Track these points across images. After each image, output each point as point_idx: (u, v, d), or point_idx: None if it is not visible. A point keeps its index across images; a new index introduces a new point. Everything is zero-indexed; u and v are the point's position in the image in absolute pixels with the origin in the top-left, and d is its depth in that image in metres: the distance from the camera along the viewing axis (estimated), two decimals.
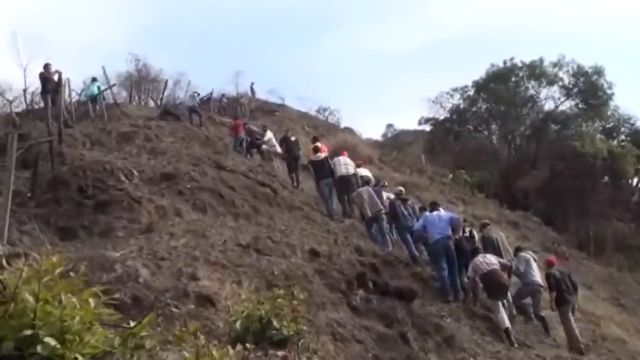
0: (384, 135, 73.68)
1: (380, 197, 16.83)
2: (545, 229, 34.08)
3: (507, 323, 12.64)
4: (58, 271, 2.94)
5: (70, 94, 24.30)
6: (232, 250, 9.95)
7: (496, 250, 15.10)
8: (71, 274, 3.07)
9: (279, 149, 24.18)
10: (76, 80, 46.49)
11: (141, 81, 45.86)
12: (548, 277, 14.76)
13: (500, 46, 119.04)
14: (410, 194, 21.77)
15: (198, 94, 36.98)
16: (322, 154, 19.32)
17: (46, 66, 20.03)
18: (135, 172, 13.31)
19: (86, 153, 15.58)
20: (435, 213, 15.27)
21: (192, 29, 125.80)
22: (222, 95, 45.48)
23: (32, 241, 9.32)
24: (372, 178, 20.45)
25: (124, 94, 41.64)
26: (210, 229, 11.04)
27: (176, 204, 12.41)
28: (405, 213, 16.57)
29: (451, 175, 41.90)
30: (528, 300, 15.09)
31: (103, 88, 26.32)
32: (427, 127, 57.85)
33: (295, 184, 20.51)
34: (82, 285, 3.04)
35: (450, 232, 14.38)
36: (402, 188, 19.25)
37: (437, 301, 12.84)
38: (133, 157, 16.07)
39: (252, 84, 53.37)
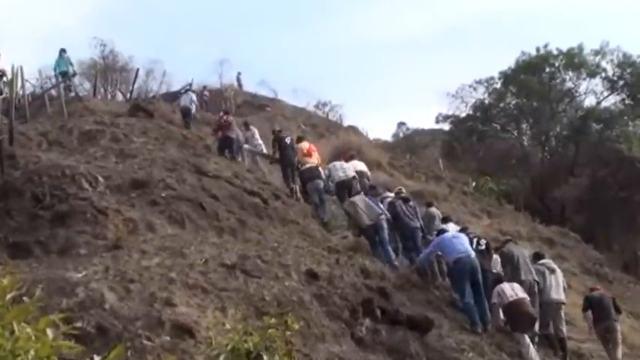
0: (395, 135, 73.78)
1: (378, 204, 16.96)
2: (584, 247, 33.95)
3: (536, 358, 12.71)
4: (9, 295, 2.94)
5: (23, 86, 24.29)
6: (215, 271, 9.92)
7: (515, 269, 15.14)
8: (25, 299, 3.07)
9: (264, 148, 24.25)
10: (30, 69, 46.44)
11: (107, 70, 45.39)
12: (586, 299, 15.02)
13: (531, 30, 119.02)
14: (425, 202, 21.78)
15: (194, 90, 36.02)
16: (311, 162, 19.56)
17: None
18: (100, 179, 13.26)
19: (42, 155, 15.51)
20: (449, 234, 15.34)
21: (168, 10, 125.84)
22: (204, 88, 45.18)
23: None
24: (368, 171, 20.69)
25: (87, 85, 41.59)
26: (188, 247, 10.99)
27: (148, 216, 12.35)
28: (407, 213, 16.70)
29: (474, 183, 41.97)
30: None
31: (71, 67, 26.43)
32: (446, 126, 58.00)
33: (295, 195, 20.42)
34: (37, 312, 3.04)
35: (471, 250, 14.49)
36: (401, 187, 19.42)
37: (456, 332, 12.82)
38: (98, 160, 16.01)
39: (239, 74, 53.44)
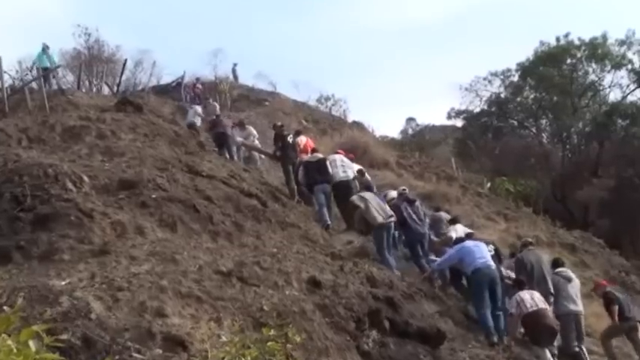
0: (404, 132, 74.06)
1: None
2: (609, 253, 33.90)
3: None
4: None
5: (1, 78, 24.31)
6: (210, 278, 9.91)
7: (529, 278, 15.18)
8: (5, 308, 3.07)
9: (257, 143, 24.36)
10: (9, 59, 46.42)
11: (92, 61, 44.98)
12: (607, 294, 15.06)
13: (551, 18, 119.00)
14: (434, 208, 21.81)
15: (208, 100, 35.28)
16: (319, 154, 19.47)
17: None
18: (85, 179, 13.26)
19: (23, 153, 15.51)
20: (470, 243, 15.38)
21: None
22: (197, 80, 45.15)
23: None
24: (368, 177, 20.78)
25: (71, 77, 41.54)
26: (181, 252, 10.96)
27: (138, 219, 12.30)
28: (414, 217, 16.69)
29: (489, 184, 42.00)
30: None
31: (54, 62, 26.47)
32: (458, 122, 58.26)
33: (296, 197, 20.41)
34: (19, 323, 3.04)
35: (491, 260, 14.57)
36: (404, 187, 19.42)
37: (470, 346, 12.82)
38: (83, 158, 16.01)
39: (235, 66, 53.63)
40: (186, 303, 8.69)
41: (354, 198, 16.95)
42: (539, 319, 13.36)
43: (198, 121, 28.40)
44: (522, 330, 14.00)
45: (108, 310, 7.71)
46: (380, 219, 16.04)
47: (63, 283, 8.43)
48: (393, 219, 16.34)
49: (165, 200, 13.48)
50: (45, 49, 28.01)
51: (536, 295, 13.96)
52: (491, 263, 14.65)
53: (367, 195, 16.84)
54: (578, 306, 15.42)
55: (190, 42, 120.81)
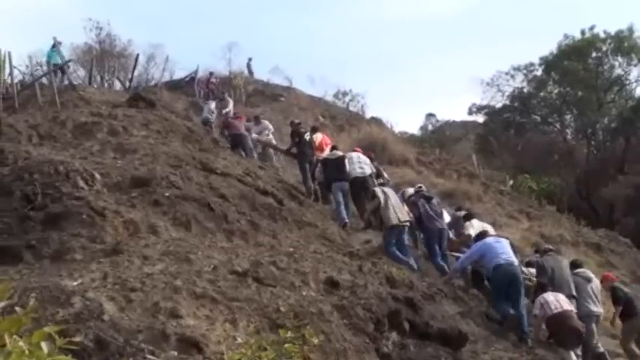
0: (423, 128, 74.12)
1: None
2: (636, 253, 33.70)
3: None
4: (0, 305, 2.94)
5: (11, 73, 24.39)
6: (225, 278, 9.90)
7: (550, 282, 15.19)
8: (17, 309, 3.06)
9: (272, 137, 24.45)
10: (19, 54, 46.59)
11: (103, 56, 45.22)
12: (614, 290, 15.06)
13: (575, 11, 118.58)
14: (455, 206, 21.77)
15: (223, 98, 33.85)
16: (338, 152, 19.50)
17: None
18: (97, 176, 13.28)
19: (33, 150, 15.57)
20: (491, 239, 15.37)
21: None
22: (211, 74, 45.13)
23: None
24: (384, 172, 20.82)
25: (82, 72, 41.67)
26: (195, 251, 10.97)
27: (151, 218, 12.34)
28: (431, 213, 16.66)
29: (512, 182, 41.89)
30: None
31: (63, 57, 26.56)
32: (480, 118, 58.18)
33: (314, 195, 20.42)
34: (31, 324, 3.04)
35: (514, 257, 14.59)
36: (421, 184, 19.44)
37: (493, 348, 12.79)
38: (95, 155, 16.06)
39: (250, 60, 53.58)
40: (200, 304, 8.69)
41: (377, 189, 16.91)
42: (565, 321, 13.34)
43: (212, 118, 28.38)
44: (547, 332, 13.97)
45: (121, 311, 7.71)
46: (394, 220, 16.01)
47: (75, 283, 8.44)
48: (408, 222, 16.32)
49: (179, 198, 13.50)
50: (56, 44, 28.06)
51: (561, 296, 13.96)
52: (514, 260, 14.69)
53: (389, 191, 16.84)
54: (599, 307, 15.44)
55: (204, 36, 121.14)
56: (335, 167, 19.09)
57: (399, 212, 16.18)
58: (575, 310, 13.95)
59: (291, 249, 12.90)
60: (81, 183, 12.62)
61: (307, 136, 21.75)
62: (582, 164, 49.00)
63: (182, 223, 12.69)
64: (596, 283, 16.01)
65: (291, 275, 10.87)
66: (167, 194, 13.51)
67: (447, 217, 18.33)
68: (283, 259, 11.66)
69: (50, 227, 10.92)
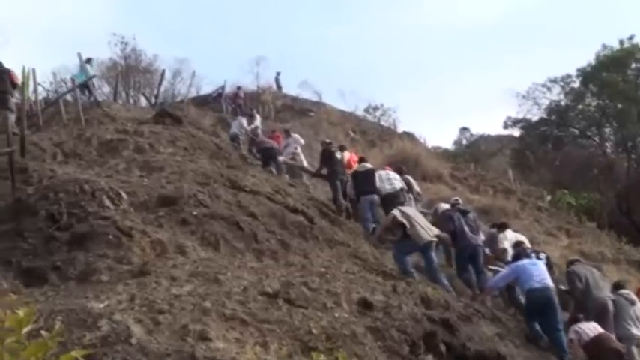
0: (457, 142, 73.91)
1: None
2: None
3: None
4: (25, 329, 2.93)
5: (35, 90, 24.55)
6: (255, 300, 9.90)
7: (585, 287, 15.14)
8: (43, 332, 3.06)
9: (303, 159, 24.45)
10: (43, 70, 46.93)
11: (129, 71, 45.29)
12: None
13: (614, 20, 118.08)
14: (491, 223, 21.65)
15: (251, 114, 32.80)
16: (368, 164, 19.53)
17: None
18: (123, 195, 13.33)
19: (58, 169, 15.64)
20: (526, 260, 15.29)
21: (196, 2, 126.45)
22: (238, 88, 45.27)
23: None
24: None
25: (107, 89, 41.88)
26: (224, 272, 10.99)
27: (178, 237, 12.37)
28: (466, 228, 16.55)
29: (549, 198, 41.66)
30: None
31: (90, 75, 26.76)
32: (515, 132, 57.88)
33: (346, 213, 20.36)
34: (57, 348, 3.03)
35: (550, 280, 14.53)
36: (457, 198, 19.36)
37: None
38: (121, 174, 16.12)
39: (278, 74, 53.64)
40: (230, 326, 8.68)
41: (396, 213, 16.65)
42: (603, 343, 13.23)
43: (241, 134, 28.29)
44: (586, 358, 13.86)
45: (149, 334, 7.71)
46: (426, 237, 15.86)
47: (102, 305, 8.45)
48: (436, 238, 16.24)
49: (207, 217, 13.52)
50: (87, 62, 28.24)
51: (593, 325, 13.86)
52: (550, 284, 14.56)
53: (409, 211, 16.65)
54: (636, 328, 15.30)
55: (231, 50, 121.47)
56: (364, 179, 19.13)
57: (427, 229, 16.05)
58: (613, 336, 13.85)
59: (323, 269, 12.87)
60: (107, 202, 12.66)
61: (339, 155, 21.70)
62: (622, 179, 48.62)
63: (210, 242, 12.70)
64: (639, 305, 15.87)
65: (323, 296, 10.84)
66: (195, 213, 13.53)
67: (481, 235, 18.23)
68: (315, 279, 11.64)
69: (76, 248, 10.96)
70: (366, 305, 11.05)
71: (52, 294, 9.40)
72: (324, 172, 21.91)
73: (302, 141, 26.96)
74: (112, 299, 8.88)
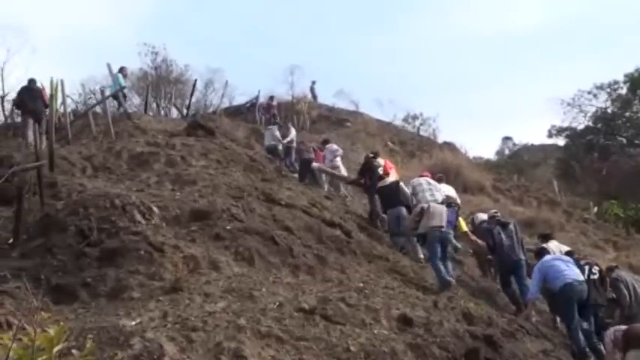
0: (500, 152, 73.66)
1: None
2: None
3: None
4: (57, 348, 2.95)
5: (64, 102, 24.72)
6: (291, 316, 9.91)
7: (628, 293, 14.94)
8: (74, 352, 3.08)
9: (343, 170, 24.36)
10: (72, 82, 47.21)
11: (160, 82, 44.96)
12: None
13: None
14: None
15: (277, 123, 32.55)
16: (390, 179, 19.48)
17: (32, 81, 20.82)
18: (155, 209, 13.39)
19: (87, 183, 15.75)
20: (549, 256, 15.21)
21: (228, 11, 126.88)
22: (271, 99, 44.34)
23: (16, 305, 9.34)
24: (458, 198, 20.68)
25: (137, 100, 42.01)
26: (259, 288, 11.02)
27: (212, 253, 12.39)
28: (507, 242, 16.41)
29: (596, 209, 41.28)
30: None
31: (120, 86, 26.96)
32: (560, 141, 57.50)
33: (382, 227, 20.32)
34: None
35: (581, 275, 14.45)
36: (496, 210, 19.27)
37: None
38: (152, 187, 16.19)
39: (314, 84, 53.45)
40: (266, 343, 8.69)
41: (424, 205, 16.76)
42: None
43: (279, 145, 28.09)
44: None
45: (182, 352, 7.74)
46: (436, 223, 15.90)
47: (133, 323, 8.49)
48: (451, 230, 16.27)
49: (241, 232, 13.54)
50: (120, 70, 28.39)
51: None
52: (581, 278, 14.44)
53: (438, 209, 16.77)
54: None
55: (265, 59, 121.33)
56: (389, 194, 19.05)
57: (438, 218, 16.11)
58: None
59: (361, 284, 12.84)
60: (138, 217, 12.72)
61: (380, 170, 21.64)
62: None
63: (245, 257, 12.71)
64: None
65: (361, 312, 10.83)
66: (228, 227, 13.56)
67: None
68: (353, 295, 11.63)
69: (106, 264, 11.01)
70: (406, 321, 11.03)
71: (83, 312, 9.45)
72: (363, 181, 21.92)
73: (340, 150, 26.70)
74: (144, 317, 8.93)
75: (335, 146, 26.33)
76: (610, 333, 13.40)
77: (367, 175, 21.72)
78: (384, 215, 19.95)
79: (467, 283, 16.47)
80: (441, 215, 16.27)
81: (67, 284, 10.45)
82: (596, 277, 15.56)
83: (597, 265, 16.56)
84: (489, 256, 17.80)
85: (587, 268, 15.74)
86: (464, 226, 17.20)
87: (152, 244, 11.60)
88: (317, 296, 11.06)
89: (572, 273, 14.40)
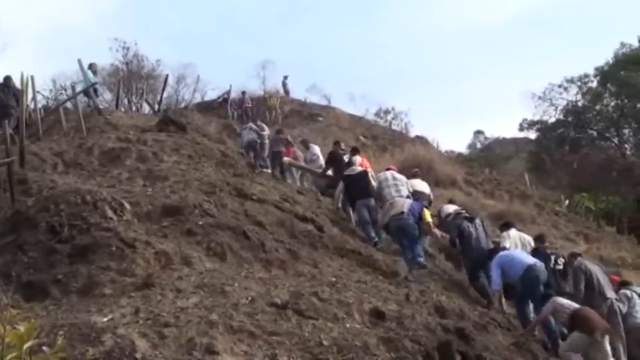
0: (471, 146, 74.02)
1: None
2: None
3: None
4: (27, 345, 2.94)
5: (34, 98, 24.56)
6: (263, 311, 9.91)
7: (590, 282, 15.07)
8: (44, 348, 3.07)
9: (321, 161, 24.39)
10: (42, 77, 46.97)
11: (131, 77, 44.74)
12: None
13: (631, 16, 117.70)
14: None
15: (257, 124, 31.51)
16: (358, 167, 19.46)
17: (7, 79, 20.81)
18: (126, 205, 13.34)
19: (58, 179, 15.67)
20: (504, 252, 15.46)
21: (199, 5, 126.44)
22: (243, 94, 44.82)
23: None
24: (431, 194, 20.75)
25: (109, 96, 41.83)
26: (231, 283, 11.01)
27: (184, 248, 12.38)
28: (475, 236, 16.49)
29: (567, 202, 41.53)
30: None
31: (91, 82, 26.82)
32: (531, 134, 57.79)
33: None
34: None
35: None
36: (461, 207, 19.44)
37: None
38: (124, 183, 16.16)
39: (286, 78, 53.45)
40: (238, 339, 8.69)
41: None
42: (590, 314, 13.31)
43: (258, 138, 27.80)
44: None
45: (154, 349, 7.73)
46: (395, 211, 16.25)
47: (105, 319, 8.47)
48: (411, 216, 16.39)
49: (213, 227, 13.54)
50: (90, 66, 28.24)
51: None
52: (540, 263, 14.69)
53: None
54: None
55: (236, 54, 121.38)
56: (357, 183, 19.00)
57: (398, 207, 16.34)
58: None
59: (333, 278, 12.85)
60: (109, 213, 12.65)
61: (346, 158, 21.72)
62: None
63: (217, 253, 12.71)
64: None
65: (333, 306, 10.83)
66: (200, 223, 13.55)
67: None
68: (325, 289, 11.64)
69: (78, 260, 10.97)
70: (378, 315, 11.04)
71: (54, 308, 9.43)
72: (330, 173, 22.06)
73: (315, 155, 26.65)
74: (116, 313, 8.91)
75: (317, 147, 26.31)
76: (552, 302, 13.63)
77: (333, 164, 21.99)
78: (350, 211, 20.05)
79: (439, 276, 16.48)
80: (402, 205, 16.40)
81: (38, 281, 10.41)
82: (560, 267, 15.73)
83: (563, 256, 16.71)
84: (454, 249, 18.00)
85: (552, 258, 15.91)
86: (428, 217, 17.17)
87: (124, 240, 11.57)
88: (289, 291, 11.06)
89: (530, 258, 14.67)
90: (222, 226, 13.71)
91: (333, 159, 22.01)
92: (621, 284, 16.38)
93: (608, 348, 12.90)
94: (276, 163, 24.59)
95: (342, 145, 23.72)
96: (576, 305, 13.51)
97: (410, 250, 15.67)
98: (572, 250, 18.72)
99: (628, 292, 15.50)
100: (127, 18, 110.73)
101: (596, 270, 15.78)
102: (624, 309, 15.01)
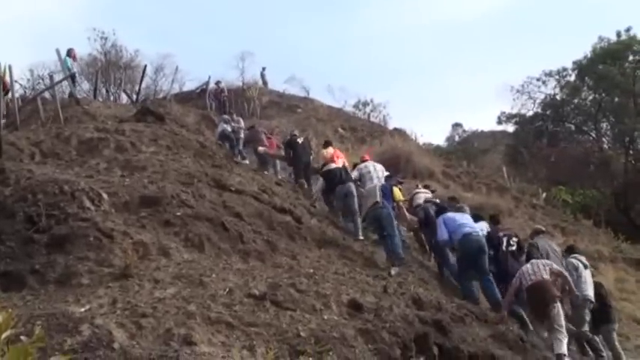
0: (450, 139, 74.26)
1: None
2: None
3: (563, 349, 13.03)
4: (4, 335, 2.94)
5: (12, 87, 24.44)
6: (241, 302, 9.91)
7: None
8: (22, 338, 3.06)
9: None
10: (20, 67, 46.73)
11: (109, 67, 44.89)
12: None
13: (610, 11, 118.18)
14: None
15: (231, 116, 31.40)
16: (333, 165, 19.68)
17: None
18: (104, 196, 13.30)
19: (36, 169, 15.57)
20: (450, 214, 15.72)
21: None
22: (217, 84, 44.41)
23: None
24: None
25: (87, 86, 41.66)
26: (209, 274, 10.99)
27: (162, 239, 12.35)
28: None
29: (544, 195, 41.69)
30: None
31: (70, 70, 26.73)
32: (510, 128, 57.95)
33: (313, 203, 20.60)
34: (37, 353, 3.03)
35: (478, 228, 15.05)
36: (430, 193, 19.80)
37: None
38: (101, 173, 16.08)
39: (264, 70, 53.57)
40: (216, 329, 8.69)
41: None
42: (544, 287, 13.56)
43: (236, 129, 27.84)
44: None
45: (131, 339, 7.72)
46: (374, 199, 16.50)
47: (82, 309, 8.45)
48: (388, 208, 16.54)
49: (191, 218, 13.52)
50: (68, 52, 28.12)
51: (540, 263, 14.09)
52: (479, 232, 14.89)
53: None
54: (591, 292, 15.58)
55: (215, 45, 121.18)
56: (332, 177, 19.27)
57: (373, 197, 16.57)
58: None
59: (311, 270, 12.88)
60: (87, 203, 12.62)
61: (300, 140, 24.30)
62: (620, 175, 48.53)
63: (195, 244, 12.70)
64: (589, 271, 16.33)
65: (311, 298, 10.85)
66: (178, 214, 13.53)
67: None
68: (303, 280, 11.67)
69: (55, 250, 10.92)
70: (356, 307, 11.07)
71: (31, 298, 9.39)
72: (290, 155, 24.01)
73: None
74: (93, 303, 8.88)
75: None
76: (517, 276, 13.82)
77: (291, 148, 24.02)
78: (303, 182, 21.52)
79: (416, 268, 16.53)
80: (376, 194, 16.52)
81: (15, 271, 10.35)
82: (514, 248, 15.88)
83: (517, 235, 16.89)
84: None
85: (505, 239, 16.06)
86: (398, 195, 17.28)
87: (101, 231, 11.52)
88: (267, 282, 11.06)
89: (469, 226, 14.82)
90: (201, 217, 13.69)
91: (290, 145, 24.26)
92: (567, 250, 16.65)
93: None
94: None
95: (296, 132, 26.44)
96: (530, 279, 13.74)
97: (389, 242, 15.78)
98: (536, 227, 18.92)
99: (574, 262, 15.73)
100: (105, 8, 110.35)
101: (549, 249, 16.03)
102: (574, 278, 15.26)
